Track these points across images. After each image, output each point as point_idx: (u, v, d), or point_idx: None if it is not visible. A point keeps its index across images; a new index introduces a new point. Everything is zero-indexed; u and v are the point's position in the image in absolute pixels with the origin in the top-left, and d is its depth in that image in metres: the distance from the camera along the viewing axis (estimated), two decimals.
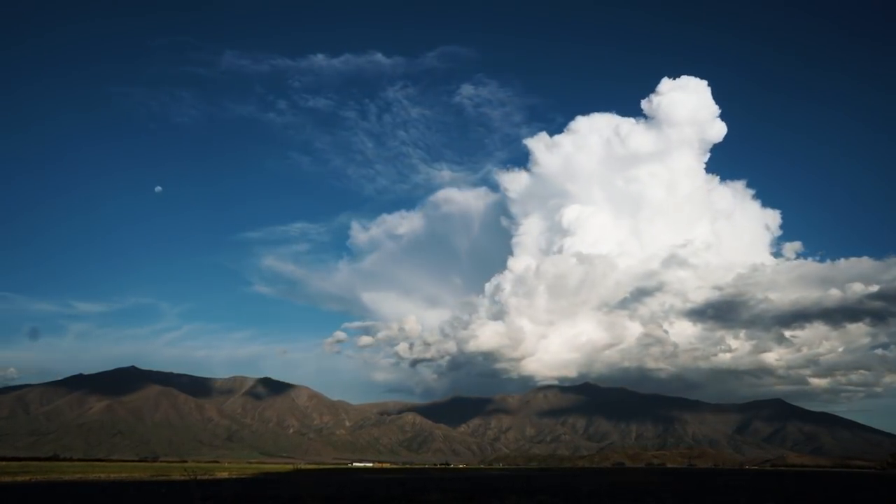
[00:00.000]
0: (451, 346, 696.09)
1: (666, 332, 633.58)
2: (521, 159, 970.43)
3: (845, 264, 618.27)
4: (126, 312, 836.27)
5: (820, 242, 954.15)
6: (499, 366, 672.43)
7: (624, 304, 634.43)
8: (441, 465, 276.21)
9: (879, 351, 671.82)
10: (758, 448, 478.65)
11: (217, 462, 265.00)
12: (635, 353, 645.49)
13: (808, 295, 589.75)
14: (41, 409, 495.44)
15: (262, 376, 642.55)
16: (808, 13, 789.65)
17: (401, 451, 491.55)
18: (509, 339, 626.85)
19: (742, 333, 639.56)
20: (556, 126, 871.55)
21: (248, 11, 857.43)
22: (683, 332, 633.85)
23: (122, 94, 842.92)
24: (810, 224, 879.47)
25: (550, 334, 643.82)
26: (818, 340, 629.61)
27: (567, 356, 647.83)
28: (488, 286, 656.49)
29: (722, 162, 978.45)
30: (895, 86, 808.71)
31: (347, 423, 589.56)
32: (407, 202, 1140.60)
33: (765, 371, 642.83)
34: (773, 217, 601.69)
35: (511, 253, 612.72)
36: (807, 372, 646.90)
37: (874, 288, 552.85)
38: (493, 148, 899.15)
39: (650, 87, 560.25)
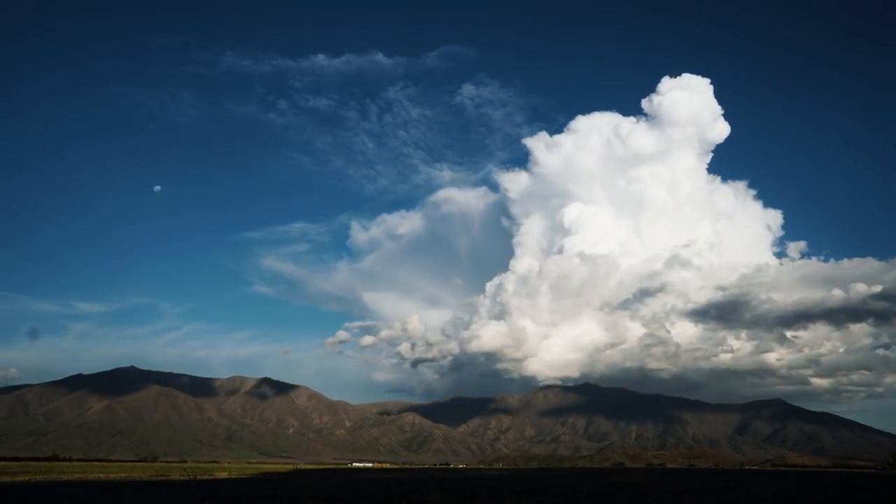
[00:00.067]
0: (453, 347, 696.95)
1: (668, 332, 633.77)
2: (522, 159, 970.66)
3: (848, 265, 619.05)
4: (126, 312, 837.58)
5: (822, 243, 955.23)
6: (500, 366, 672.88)
7: (626, 304, 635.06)
8: (441, 465, 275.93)
9: (881, 351, 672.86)
10: (758, 448, 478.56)
11: (217, 462, 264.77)
12: (637, 354, 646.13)
13: (811, 295, 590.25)
14: (40, 409, 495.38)
15: (262, 376, 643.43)
16: (809, 13, 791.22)
17: (400, 452, 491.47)
18: (511, 339, 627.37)
19: (743, 334, 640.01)
20: (558, 126, 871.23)
21: (249, 11, 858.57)
22: (685, 332, 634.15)
23: (122, 94, 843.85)
24: (811, 225, 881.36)
25: (552, 335, 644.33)
26: (820, 341, 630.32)
27: (569, 356, 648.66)
28: (489, 286, 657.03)
29: (724, 162, 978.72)
30: None
31: (347, 424, 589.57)
32: (407, 202, 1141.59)
33: (766, 371, 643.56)
34: (775, 217, 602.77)
35: (512, 253, 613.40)
36: (808, 372, 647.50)
37: (877, 288, 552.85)
38: (495, 148, 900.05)
39: (652, 88, 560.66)
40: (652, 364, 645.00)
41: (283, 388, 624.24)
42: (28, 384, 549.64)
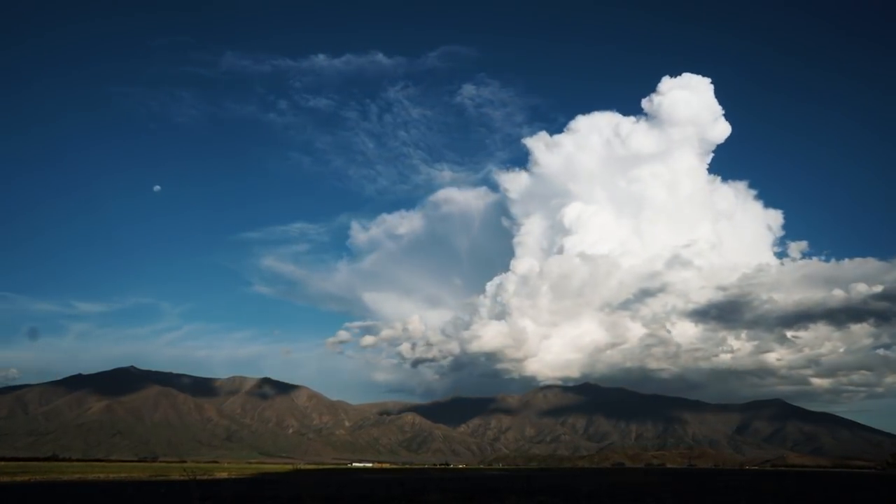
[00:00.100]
0: (453, 347, 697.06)
1: (669, 332, 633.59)
2: (523, 159, 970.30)
3: (850, 265, 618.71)
4: (126, 312, 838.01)
5: (823, 243, 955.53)
6: (501, 366, 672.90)
7: (626, 304, 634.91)
8: (441, 465, 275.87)
9: (882, 351, 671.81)
10: (758, 448, 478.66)
11: (216, 462, 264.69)
12: (637, 354, 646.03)
13: (811, 296, 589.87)
14: (40, 410, 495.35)
15: (262, 376, 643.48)
16: (809, 13, 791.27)
17: (400, 452, 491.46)
18: (512, 339, 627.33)
19: (744, 334, 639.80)
20: (558, 126, 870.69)
21: (249, 11, 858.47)
22: (685, 332, 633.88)
23: (122, 94, 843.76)
24: (811, 225, 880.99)
25: (552, 335, 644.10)
26: (820, 341, 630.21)
27: (569, 356, 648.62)
28: (489, 286, 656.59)
29: (724, 162, 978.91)
30: None
31: (347, 424, 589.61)
32: (407, 202, 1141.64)
33: (766, 371, 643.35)
34: (776, 217, 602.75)
35: (512, 253, 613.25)
36: (808, 372, 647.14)
37: (878, 288, 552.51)
38: (495, 148, 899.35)
39: (653, 88, 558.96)
40: (652, 364, 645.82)
41: (282, 388, 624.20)
42: (28, 384, 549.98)
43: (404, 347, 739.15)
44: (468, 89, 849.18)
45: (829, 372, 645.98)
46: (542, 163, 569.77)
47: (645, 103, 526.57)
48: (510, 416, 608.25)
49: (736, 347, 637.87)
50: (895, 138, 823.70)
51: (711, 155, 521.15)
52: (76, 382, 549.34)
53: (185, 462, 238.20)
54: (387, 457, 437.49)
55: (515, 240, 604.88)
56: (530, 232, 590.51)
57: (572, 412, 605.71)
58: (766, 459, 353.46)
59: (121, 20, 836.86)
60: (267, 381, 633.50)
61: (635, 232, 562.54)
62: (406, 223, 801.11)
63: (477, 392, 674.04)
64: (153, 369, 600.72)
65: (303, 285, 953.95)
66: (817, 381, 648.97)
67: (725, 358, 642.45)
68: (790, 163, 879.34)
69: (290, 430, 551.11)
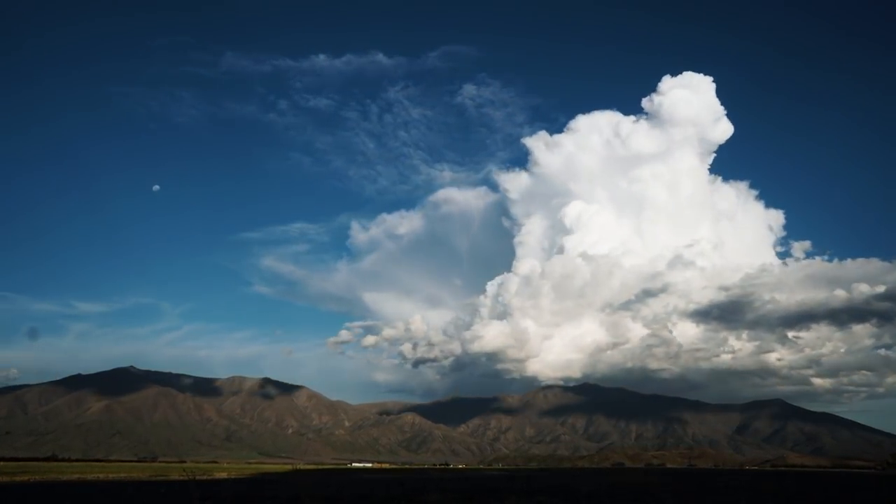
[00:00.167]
0: (455, 347, 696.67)
1: (670, 332, 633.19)
2: (523, 160, 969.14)
3: (852, 265, 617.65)
4: (126, 312, 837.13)
5: (825, 244, 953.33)
6: (502, 367, 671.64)
7: (628, 304, 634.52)
8: (440, 465, 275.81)
9: (883, 351, 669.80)
10: (758, 448, 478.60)
11: (216, 462, 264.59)
12: (639, 354, 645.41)
13: (814, 296, 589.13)
14: (39, 410, 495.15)
15: (261, 376, 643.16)
16: (809, 13, 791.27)
17: (400, 452, 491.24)
18: (513, 339, 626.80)
19: (745, 334, 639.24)
20: (559, 126, 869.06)
21: (249, 11, 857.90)
22: (685, 332, 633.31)
23: (122, 94, 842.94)
24: (812, 225, 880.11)
25: (554, 335, 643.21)
26: (821, 341, 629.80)
27: (570, 357, 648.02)
28: (490, 286, 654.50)
29: (725, 162, 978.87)
30: None
31: (346, 424, 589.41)
32: (407, 202, 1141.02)
33: (768, 372, 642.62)
34: (777, 218, 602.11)
35: (513, 253, 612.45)
36: (809, 372, 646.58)
37: (881, 289, 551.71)
38: (496, 148, 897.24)
39: (655, 88, 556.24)
40: (653, 364, 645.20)
41: (282, 388, 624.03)
42: (27, 384, 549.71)
43: (406, 347, 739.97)
44: (469, 89, 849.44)
45: (831, 372, 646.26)
46: (542, 162, 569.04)
47: (645, 102, 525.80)
48: (510, 416, 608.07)
49: (737, 348, 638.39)
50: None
51: (714, 155, 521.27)
52: (76, 382, 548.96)
53: (184, 462, 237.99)
54: (386, 457, 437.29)
55: (516, 239, 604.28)
56: (531, 232, 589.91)
57: (572, 412, 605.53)
58: (766, 459, 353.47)
59: (121, 20, 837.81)
60: (267, 381, 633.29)
61: (637, 232, 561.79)
62: (406, 223, 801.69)
63: (477, 392, 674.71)
64: (153, 369, 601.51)
65: (302, 285, 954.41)
66: (818, 382, 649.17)
67: (726, 358, 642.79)
68: (791, 163, 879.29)
69: (290, 431, 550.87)
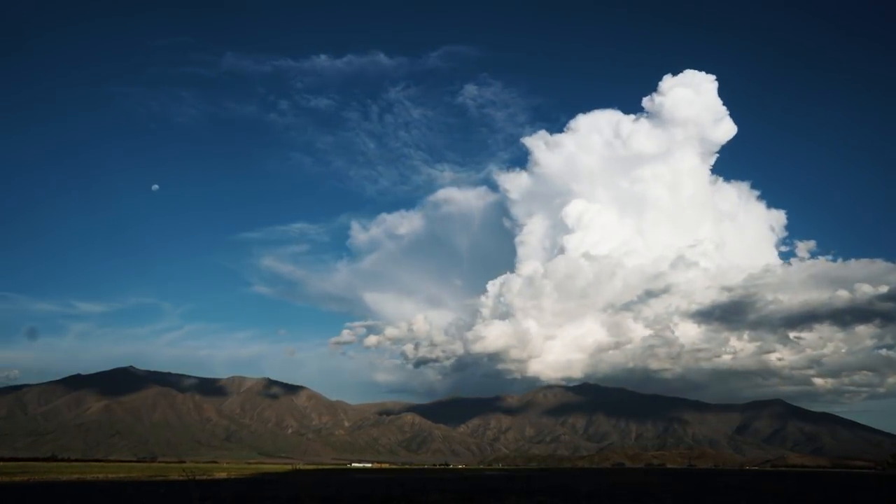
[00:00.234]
0: (457, 347, 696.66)
1: (672, 332, 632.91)
2: (525, 160, 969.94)
3: (856, 265, 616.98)
4: (126, 312, 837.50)
5: (826, 244, 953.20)
6: (504, 367, 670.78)
7: (629, 305, 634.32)
8: (440, 465, 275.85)
9: (884, 351, 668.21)
10: (758, 448, 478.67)
11: (215, 462, 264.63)
12: (640, 355, 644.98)
13: (817, 296, 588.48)
14: (39, 410, 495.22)
15: (261, 376, 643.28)
16: (811, 14, 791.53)
17: (400, 452, 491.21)
18: (516, 339, 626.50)
19: (746, 335, 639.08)
20: (560, 127, 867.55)
21: (250, 12, 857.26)
22: (687, 333, 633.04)
23: (123, 94, 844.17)
24: (813, 226, 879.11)
25: (556, 335, 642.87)
26: (823, 342, 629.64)
27: (572, 357, 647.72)
28: (491, 287, 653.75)
29: (727, 163, 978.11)
30: None
31: (346, 424, 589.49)
32: (407, 202, 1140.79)
33: (769, 372, 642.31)
34: (779, 218, 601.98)
35: (514, 253, 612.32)
36: (811, 373, 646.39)
37: (883, 289, 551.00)
38: (497, 148, 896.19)
39: (657, 89, 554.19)
40: (655, 365, 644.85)
41: (282, 388, 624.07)
42: (27, 384, 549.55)
43: (408, 348, 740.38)
44: (470, 89, 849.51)
45: (832, 372, 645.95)
46: (542, 162, 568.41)
47: (646, 102, 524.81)
48: (510, 416, 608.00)
49: (738, 348, 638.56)
50: None
51: (716, 156, 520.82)
52: (75, 382, 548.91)
53: (184, 462, 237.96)
54: (386, 457, 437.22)
55: (518, 239, 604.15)
56: (533, 232, 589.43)
57: (572, 412, 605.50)
58: (767, 459, 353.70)
59: (121, 20, 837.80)
60: (267, 381, 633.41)
61: (638, 232, 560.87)
62: (406, 223, 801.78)
63: (478, 393, 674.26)
64: (152, 369, 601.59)
65: (302, 285, 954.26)
66: (819, 382, 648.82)
67: (728, 359, 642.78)
68: (792, 163, 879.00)
69: (290, 431, 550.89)
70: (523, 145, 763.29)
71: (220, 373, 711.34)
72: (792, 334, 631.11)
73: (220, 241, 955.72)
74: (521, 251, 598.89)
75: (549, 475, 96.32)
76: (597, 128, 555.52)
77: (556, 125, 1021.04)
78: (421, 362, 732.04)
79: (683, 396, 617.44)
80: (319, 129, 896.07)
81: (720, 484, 64.74)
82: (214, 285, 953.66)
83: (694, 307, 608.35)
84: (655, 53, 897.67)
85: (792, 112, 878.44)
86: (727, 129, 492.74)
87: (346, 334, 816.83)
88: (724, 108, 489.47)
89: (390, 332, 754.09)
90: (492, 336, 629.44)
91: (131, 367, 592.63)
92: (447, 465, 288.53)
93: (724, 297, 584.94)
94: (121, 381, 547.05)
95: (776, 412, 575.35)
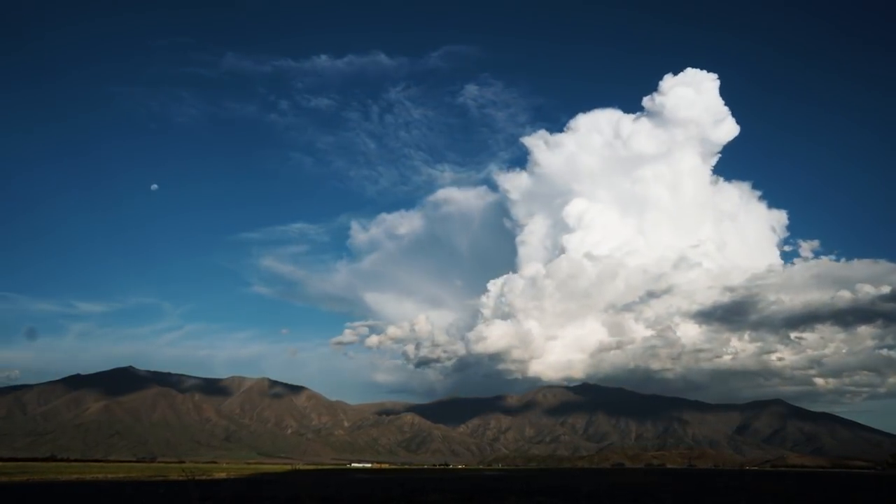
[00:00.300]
0: (458, 348, 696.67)
1: (674, 332, 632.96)
2: (525, 160, 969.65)
3: (859, 265, 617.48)
4: (126, 312, 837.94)
5: (828, 244, 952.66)
6: (505, 367, 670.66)
7: (631, 305, 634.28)
8: (440, 465, 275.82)
9: (885, 351, 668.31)
10: (758, 448, 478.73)
11: (215, 462, 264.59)
12: (641, 355, 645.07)
13: (819, 297, 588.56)
14: (38, 410, 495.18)
15: (261, 377, 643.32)
16: (812, 14, 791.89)
17: (399, 452, 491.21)
18: (517, 340, 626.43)
19: (747, 335, 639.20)
20: (561, 127, 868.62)
21: (250, 12, 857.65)
22: (688, 333, 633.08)
23: (123, 94, 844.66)
24: (814, 226, 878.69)
25: (557, 335, 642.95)
26: (824, 342, 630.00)
27: (573, 357, 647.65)
28: (492, 287, 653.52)
29: (728, 163, 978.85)
30: None
31: (346, 424, 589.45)
32: (407, 202, 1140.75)
33: (770, 373, 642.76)
34: (780, 218, 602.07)
35: (514, 254, 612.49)
36: (812, 373, 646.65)
37: (885, 289, 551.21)
38: (497, 149, 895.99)
39: (657, 87, 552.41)
40: (656, 365, 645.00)
41: (282, 388, 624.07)
42: (26, 384, 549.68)
43: (409, 348, 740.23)
44: (471, 90, 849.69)
45: (833, 373, 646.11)
46: (542, 162, 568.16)
47: (647, 101, 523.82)
48: (510, 416, 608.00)
49: (739, 349, 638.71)
50: None
51: (718, 156, 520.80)
52: (75, 382, 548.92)
53: (183, 462, 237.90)
54: (386, 457, 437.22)
55: (518, 239, 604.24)
56: (533, 232, 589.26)
57: (572, 412, 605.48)
58: (767, 460, 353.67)
59: (121, 20, 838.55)
60: (266, 381, 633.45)
61: (639, 232, 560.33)
62: (406, 223, 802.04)
63: (479, 393, 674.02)
64: (152, 369, 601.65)
65: (302, 285, 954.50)
66: (820, 382, 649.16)
67: (728, 359, 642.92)
68: (793, 163, 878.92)
69: (289, 431, 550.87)
70: (523, 145, 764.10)
71: (220, 373, 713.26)
72: (793, 335, 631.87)
73: (220, 241, 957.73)
74: (521, 251, 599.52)
75: (549, 475, 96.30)
76: (597, 127, 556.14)
77: (557, 125, 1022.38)
78: (423, 362, 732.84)
79: (683, 396, 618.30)
80: (320, 129, 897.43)
81: (720, 484, 64.72)
82: (214, 285, 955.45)
83: (695, 307, 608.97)
84: (656, 53, 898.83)
85: (793, 112, 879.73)
86: (729, 129, 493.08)
87: (347, 334, 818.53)
88: (726, 108, 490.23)
89: (392, 331, 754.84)
90: (493, 336, 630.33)
91: (131, 367, 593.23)
92: (447, 465, 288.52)
93: (725, 298, 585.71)
94: (121, 381, 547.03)
95: (776, 412, 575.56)
